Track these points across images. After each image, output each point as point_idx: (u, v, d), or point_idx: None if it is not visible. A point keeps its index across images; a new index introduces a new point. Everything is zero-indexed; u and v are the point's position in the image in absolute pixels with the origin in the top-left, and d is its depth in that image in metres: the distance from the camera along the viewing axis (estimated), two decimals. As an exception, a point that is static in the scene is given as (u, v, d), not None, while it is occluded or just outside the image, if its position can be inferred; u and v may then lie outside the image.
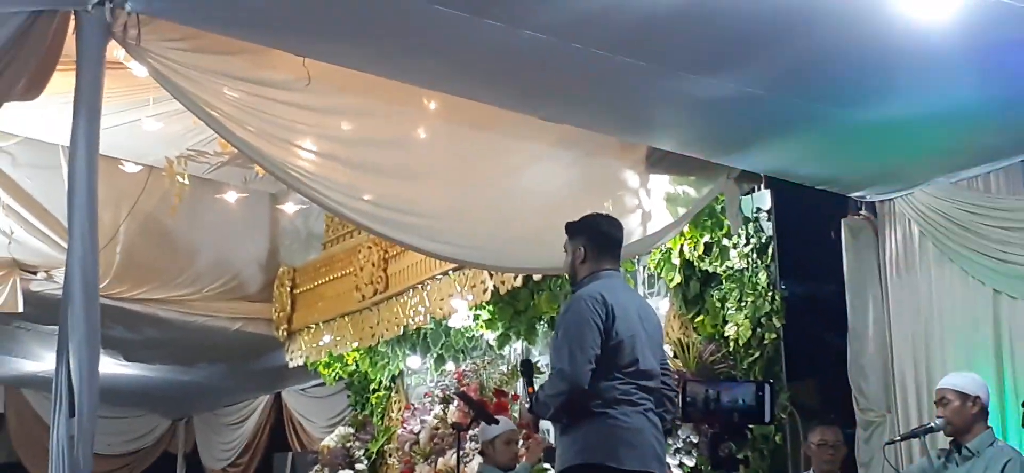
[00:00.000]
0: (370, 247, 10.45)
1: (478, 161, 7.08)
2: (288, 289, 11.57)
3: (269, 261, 11.77)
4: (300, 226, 11.66)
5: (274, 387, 14.19)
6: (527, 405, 5.40)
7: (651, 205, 7.46)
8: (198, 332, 11.24)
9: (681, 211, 7.47)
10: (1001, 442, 5.96)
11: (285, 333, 11.63)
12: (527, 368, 5.41)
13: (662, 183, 7.50)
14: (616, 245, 5.31)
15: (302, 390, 13.83)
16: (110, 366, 11.61)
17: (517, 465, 6.57)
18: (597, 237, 5.29)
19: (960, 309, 6.96)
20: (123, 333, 10.94)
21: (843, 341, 7.59)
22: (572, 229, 5.35)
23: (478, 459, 8.90)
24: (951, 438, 5.87)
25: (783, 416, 7.44)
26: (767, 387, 4.17)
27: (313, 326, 11.39)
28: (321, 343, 11.28)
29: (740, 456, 4.29)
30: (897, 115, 5.96)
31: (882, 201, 7.46)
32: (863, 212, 7.62)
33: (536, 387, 5.24)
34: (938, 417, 5.84)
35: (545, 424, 7.19)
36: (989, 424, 5.90)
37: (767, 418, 4.18)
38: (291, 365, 11.83)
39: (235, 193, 10.10)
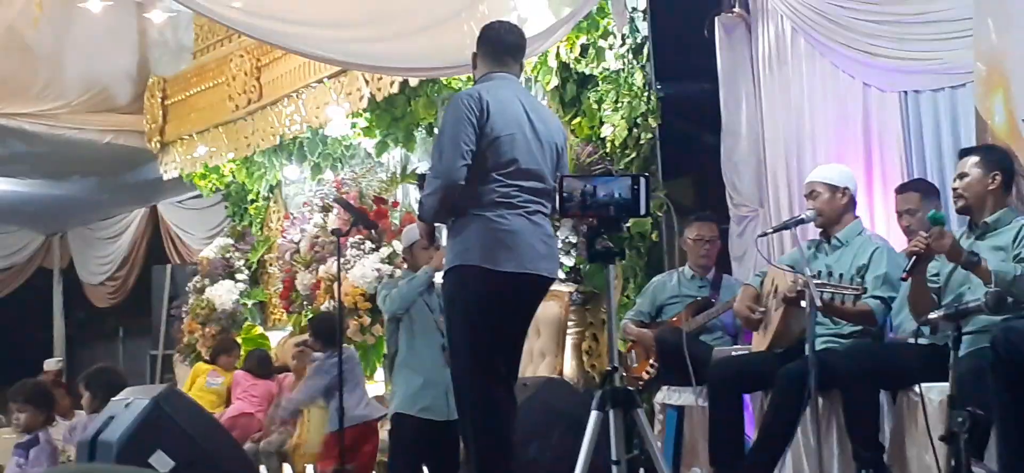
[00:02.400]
0: (242, 56, 10.28)
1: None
2: (159, 100, 11.37)
3: (139, 72, 11.54)
4: (169, 36, 11.40)
5: (149, 200, 14.03)
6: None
7: (529, 8, 7.38)
8: (67, 145, 11.03)
9: (566, 11, 7.41)
10: (869, 231, 6.12)
11: (158, 145, 11.48)
12: (421, 180, 5.38)
13: (546, -17, 7.43)
14: (510, 49, 5.21)
15: (178, 202, 13.70)
16: (-22, 181, 11.37)
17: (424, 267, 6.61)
18: (487, 42, 5.24)
19: (831, 103, 7.07)
20: (-11, 148, 10.69)
21: (717, 138, 7.68)
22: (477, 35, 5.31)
23: (359, 265, 8.94)
24: (821, 229, 6.00)
25: (659, 213, 7.56)
26: (642, 180, 4.20)
27: (186, 137, 11.24)
28: (195, 154, 11.15)
29: (616, 250, 4.32)
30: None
31: (755, -2, 7.50)
32: (736, 9, 7.64)
33: None
34: (809, 209, 5.97)
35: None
36: (857, 215, 6.04)
37: (642, 210, 4.22)
38: (165, 177, 11.70)
39: (100, 2, 9.77)
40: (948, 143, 6.38)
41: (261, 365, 9.83)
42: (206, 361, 10.47)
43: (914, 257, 5.02)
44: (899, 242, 5.95)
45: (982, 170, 5.20)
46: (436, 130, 9.36)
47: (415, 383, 6.50)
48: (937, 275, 5.24)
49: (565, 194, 4.28)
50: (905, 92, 6.67)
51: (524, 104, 5.10)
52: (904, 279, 5.15)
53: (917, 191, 5.91)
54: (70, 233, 15.90)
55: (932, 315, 4.52)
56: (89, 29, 10.32)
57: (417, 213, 5.30)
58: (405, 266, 7.04)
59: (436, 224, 5.28)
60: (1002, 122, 5.73)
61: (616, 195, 4.20)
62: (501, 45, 5.22)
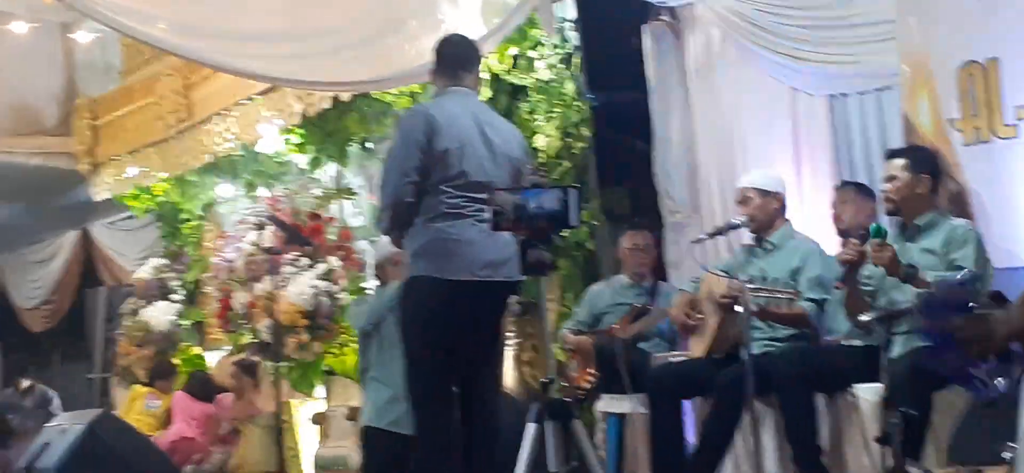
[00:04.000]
0: (171, 74, 10.19)
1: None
2: (88, 121, 11.23)
3: (66, 94, 11.42)
4: (96, 56, 11.29)
5: (81, 222, 13.84)
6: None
7: (460, 19, 7.37)
8: (-6, 169, 10.89)
9: (496, 21, 7.42)
10: (801, 234, 6.15)
11: (88, 166, 11.33)
12: None
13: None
14: (459, 62, 5.24)
15: (111, 224, 13.52)
16: (-100, 209, 11.19)
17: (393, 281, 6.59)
18: (439, 57, 5.28)
19: (760, 108, 7.12)
20: (-88, 174, 10.53)
21: (650, 146, 7.72)
22: None
23: (296, 282, 8.88)
24: (754, 234, 6.03)
25: (594, 222, 7.58)
26: (571, 191, 4.21)
27: (117, 158, 11.12)
28: (127, 175, 11.04)
29: (550, 261, 4.34)
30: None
31: (682, 6, 7.53)
32: (665, 17, 7.67)
33: None
34: (741, 214, 5.99)
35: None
36: (788, 218, 6.08)
37: (572, 222, 4.23)
38: (97, 199, 11.56)
39: (24, 24, 9.66)
40: (876, 145, 6.46)
41: (202, 387, 9.75)
42: (143, 384, 10.36)
43: (847, 265, 5.06)
44: (830, 244, 6.01)
45: (910, 173, 5.24)
46: (368, 144, 9.38)
47: (384, 396, 6.46)
48: (870, 277, 5.28)
49: (496, 208, 4.29)
50: (832, 95, 6.74)
51: (476, 116, 5.13)
52: (839, 287, 5.19)
53: (855, 189, 5.97)
54: (1, 258, 15.67)
55: (864, 317, 4.56)
56: (13, 51, 10.22)
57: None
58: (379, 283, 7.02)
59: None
60: (928, 122, 5.80)
61: (546, 207, 4.21)
62: (451, 59, 5.26)
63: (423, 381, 5.07)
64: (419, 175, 4.94)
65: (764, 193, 5.95)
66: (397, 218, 5.01)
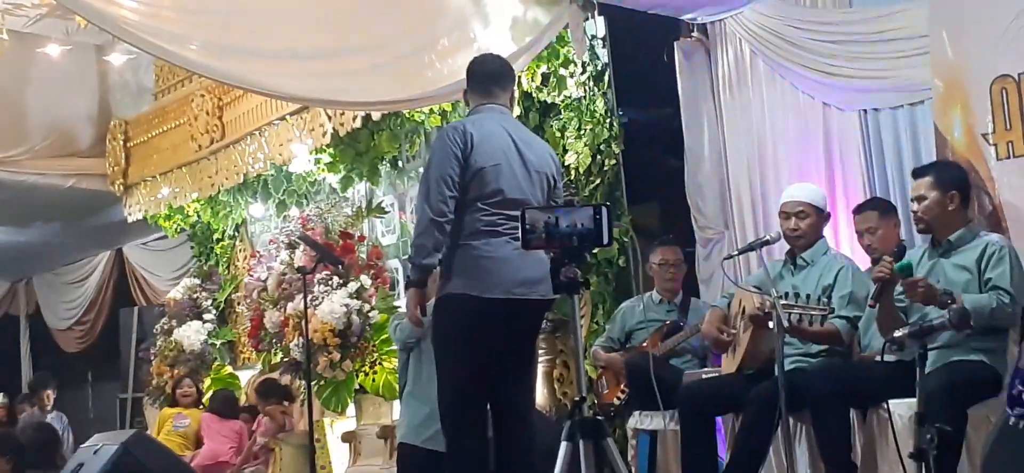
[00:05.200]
0: (203, 95, 10.24)
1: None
2: (121, 142, 11.29)
3: (100, 115, 11.46)
4: (129, 78, 11.34)
5: (114, 243, 13.94)
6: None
7: (491, 38, 7.38)
8: (29, 191, 10.95)
9: (527, 39, 7.42)
10: (834, 250, 6.12)
11: (121, 187, 11.39)
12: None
13: (504, 14, 7.42)
14: (494, 78, 5.25)
15: (144, 244, 13.61)
16: (-61, 230, 11.29)
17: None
18: (472, 75, 5.28)
19: (792, 124, 7.11)
20: (-50, 197, 10.61)
21: (681, 162, 7.72)
22: None
23: (327, 301, 8.89)
24: (791, 248, 5.98)
25: (625, 239, 7.57)
26: (604, 209, 4.19)
27: (150, 179, 11.17)
28: (159, 196, 11.09)
29: (581, 279, 4.33)
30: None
31: (713, 22, 7.53)
32: (695, 34, 7.68)
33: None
34: (792, 229, 5.89)
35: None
36: (822, 234, 6.05)
37: (605, 240, 4.21)
38: (130, 219, 11.62)
39: (58, 46, 9.74)
40: (909, 160, 6.43)
41: (227, 405, 9.78)
42: (173, 404, 10.40)
43: (880, 282, 5.02)
44: (862, 260, 5.98)
45: (939, 191, 5.19)
46: (399, 163, 9.41)
47: (421, 413, 6.42)
48: (903, 293, 5.25)
49: (527, 226, 4.26)
50: (865, 110, 6.71)
51: (512, 134, 5.12)
52: (872, 306, 5.15)
53: (875, 209, 5.93)
54: (36, 279, 15.79)
55: (897, 333, 4.52)
56: (49, 74, 10.27)
57: (410, 258, 5.24)
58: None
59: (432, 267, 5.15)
60: (961, 137, 5.78)
61: (578, 225, 4.19)
62: (485, 75, 5.26)
63: (456, 399, 5.06)
64: (457, 191, 4.94)
65: (819, 210, 5.92)
66: (438, 235, 4.93)
